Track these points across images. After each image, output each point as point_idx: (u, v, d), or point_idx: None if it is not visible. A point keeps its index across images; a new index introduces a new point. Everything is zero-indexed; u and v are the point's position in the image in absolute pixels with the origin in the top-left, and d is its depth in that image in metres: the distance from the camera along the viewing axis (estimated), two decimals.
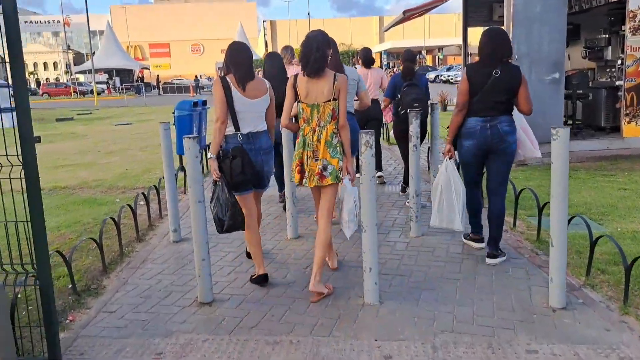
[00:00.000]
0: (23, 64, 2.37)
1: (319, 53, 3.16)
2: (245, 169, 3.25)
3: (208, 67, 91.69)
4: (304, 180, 3.25)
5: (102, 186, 6.71)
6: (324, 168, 3.18)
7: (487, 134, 3.61)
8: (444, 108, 14.62)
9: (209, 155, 3.50)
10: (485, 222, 3.95)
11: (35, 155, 2.47)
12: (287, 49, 6.20)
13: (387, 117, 6.05)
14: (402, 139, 5.67)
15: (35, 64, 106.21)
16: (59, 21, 62.91)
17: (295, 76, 3.31)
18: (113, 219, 4.14)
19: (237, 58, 3.35)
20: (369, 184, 2.97)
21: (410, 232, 4.38)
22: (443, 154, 3.94)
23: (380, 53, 63.34)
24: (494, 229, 3.76)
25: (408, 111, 5.20)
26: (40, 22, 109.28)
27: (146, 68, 60.10)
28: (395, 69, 44.56)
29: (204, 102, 7.98)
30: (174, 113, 7.41)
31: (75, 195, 6.24)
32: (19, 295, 3.07)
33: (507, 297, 3.15)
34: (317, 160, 3.19)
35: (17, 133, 2.48)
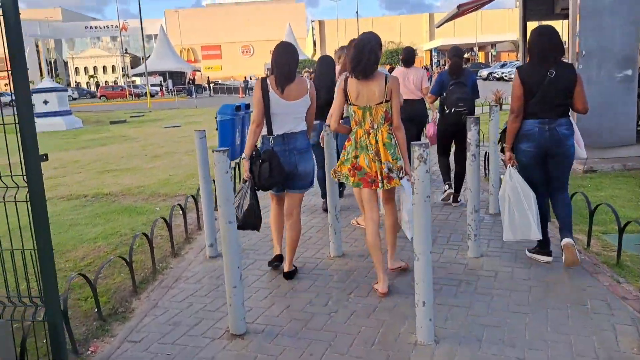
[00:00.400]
0: (25, 69, 2.10)
1: (370, 55, 3.16)
2: (273, 173, 3.31)
3: (258, 68, 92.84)
4: (379, 185, 3.22)
5: (144, 193, 6.58)
6: (390, 170, 3.19)
7: (546, 136, 3.43)
8: (500, 107, 13.83)
9: (242, 155, 3.51)
10: (552, 235, 3.61)
11: (41, 173, 2.20)
12: (343, 49, 5.96)
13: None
14: (445, 139, 5.38)
15: (95, 68, 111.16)
16: (116, 26, 65.23)
17: (346, 79, 3.30)
18: (145, 235, 3.91)
19: (279, 59, 3.35)
20: (423, 205, 2.56)
21: (467, 251, 3.92)
22: (504, 162, 3.62)
23: (430, 51, 61.99)
24: (566, 219, 3.53)
25: (453, 111, 5.00)
26: (100, 27, 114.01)
27: (198, 70, 61.50)
28: (445, 67, 43.28)
29: (247, 106, 7.75)
30: (216, 117, 7.21)
31: (116, 202, 6.13)
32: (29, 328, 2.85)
33: (587, 338, 2.66)
34: (381, 163, 3.20)
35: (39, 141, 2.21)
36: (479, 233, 3.89)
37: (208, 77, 59.45)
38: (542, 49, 3.38)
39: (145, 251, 4.17)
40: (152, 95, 40.68)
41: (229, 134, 7.13)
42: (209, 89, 53.42)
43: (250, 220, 3.36)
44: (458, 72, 5.11)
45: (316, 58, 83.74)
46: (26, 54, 2.11)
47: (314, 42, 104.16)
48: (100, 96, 49.64)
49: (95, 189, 6.93)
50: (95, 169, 8.69)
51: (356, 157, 3.26)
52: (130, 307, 3.31)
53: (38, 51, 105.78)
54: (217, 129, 7.36)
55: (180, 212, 4.83)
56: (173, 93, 43.52)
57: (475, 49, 57.72)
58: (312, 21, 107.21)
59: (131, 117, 23.38)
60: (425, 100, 5.72)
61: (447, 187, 5.42)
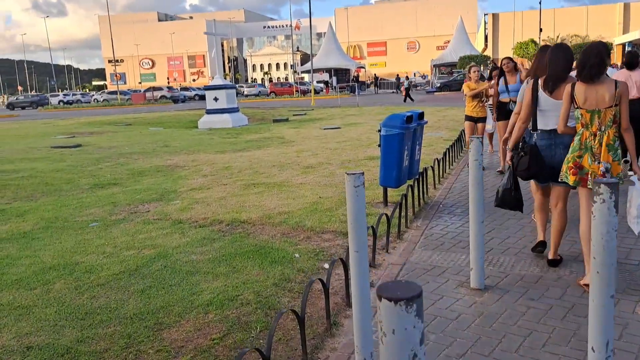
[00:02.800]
0: None
1: (596, 60, 3.37)
2: (531, 166, 3.76)
3: (423, 64, 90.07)
4: (588, 182, 3.42)
5: (286, 224, 5.30)
6: (606, 170, 3.36)
7: None
8: None
9: (507, 146, 4.09)
10: None
11: None
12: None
13: None
14: None
15: (269, 65, 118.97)
16: (290, 25, 68.19)
17: (573, 84, 3.48)
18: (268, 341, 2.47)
19: (553, 59, 3.71)
20: None
21: None
22: None
23: (623, 45, 53.16)
24: None
25: None
26: (275, 26, 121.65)
27: (362, 67, 61.14)
28: None
29: (421, 116, 6.04)
30: (379, 131, 5.65)
31: (251, 236, 4.93)
32: None
33: None
34: (599, 162, 3.39)
35: None
36: None
37: (374, 74, 58.70)
38: None
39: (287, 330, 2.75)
40: (316, 92, 41.09)
41: (395, 152, 5.50)
42: (376, 86, 52.69)
43: (506, 201, 3.98)
44: None
45: (486, 53, 78.29)
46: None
47: (486, 37, 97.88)
48: (270, 92, 51.90)
49: (234, 211, 5.87)
50: (243, 181, 7.77)
51: (580, 156, 3.47)
52: None
53: (223, 50, 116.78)
54: (379, 145, 5.81)
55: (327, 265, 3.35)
56: (337, 90, 43.51)
57: None
58: (484, 14, 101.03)
59: (294, 115, 23.21)
60: None
61: None
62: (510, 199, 3.93)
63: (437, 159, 7.34)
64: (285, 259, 4.24)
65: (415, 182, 5.77)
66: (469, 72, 8.15)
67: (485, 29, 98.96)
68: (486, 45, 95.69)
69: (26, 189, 7.74)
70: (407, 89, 32.52)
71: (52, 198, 7.12)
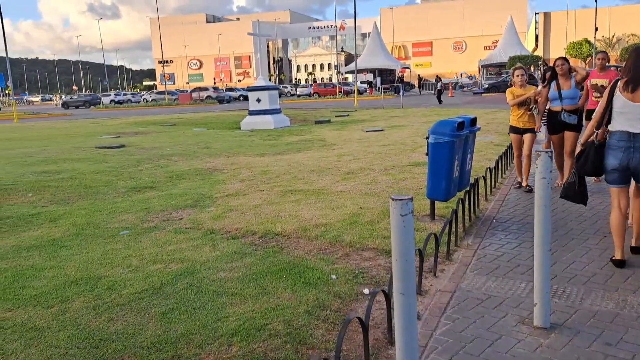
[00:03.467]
0: None
1: None
2: (595, 164, 3.96)
3: (469, 64, 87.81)
4: None
5: (324, 237, 4.91)
6: None
7: None
8: None
9: (579, 140, 4.56)
10: None
11: None
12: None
13: None
14: None
15: (313, 65, 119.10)
16: (335, 26, 67.95)
17: None
18: None
19: (635, 63, 3.78)
20: None
21: None
22: None
23: None
24: None
25: None
26: (320, 27, 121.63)
27: (407, 67, 60.10)
28: None
29: (473, 121, 5.51)
30: (427, 138, 5.17)
31: (285, 252, 4.56)
32: None
33: None
34: None
35: None
36: None
37: (418, 75, 57.60)
38: None
39: None
40: (360, 93, 40.56)
41: (444, 162, 5.00)
42: (420, 87, 51.73)
43: (569, 194, 4.12)
44: None
45: (537, 53, 75.43)
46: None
47: (536, 36, 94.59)
48: (313, 93, 51.71)
49: (269, 222, 5.53)
50: (280, 187, 7.44)
51: None
52: None
53: (268, 51, 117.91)
54: (427, 153, 5.33)
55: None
56: (380, 91, 42.82)
57: None
58: (535, 13, 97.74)
59: (336, 116, 22.84)
60: None
61: None
62: (574, 193, 4.07)
63: (489, 167, 6.77)
64: (320, 281, 3.84)
65: (466, 194, 5.26)
66: (513, 75, 6.71)
67: (535, 28, 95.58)
68: (536, 45, 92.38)
69: (64, 191, 7.68)
70: (439, 91, 31.76)
71: (87, 202, 7.00)
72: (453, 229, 4.64)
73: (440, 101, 30.53)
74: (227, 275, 4.03)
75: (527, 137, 6.66)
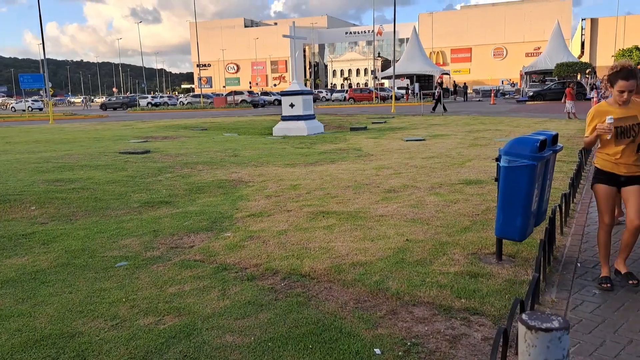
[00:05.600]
0: None
1: None
2: None
3: (511, 72, 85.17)
4: None
5: (362, 283, 3.87)
6: None
7: None
8: None
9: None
10: None
11: None
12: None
13: None
14: None
15: (349, 70, 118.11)
16: (372, 31, 66.82)
17: None
18: None
19: None
20: None
21: None
22: None
23: None
24: None
25: None
26: (357, 32, 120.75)
27: (446, 73, 58.42)
28: None
29: (555, 139, 4.36)
30: (497, 160, 4.06)
31: (313, 304, 3.54)
32: None
33: None
34: None
35: None
36: None
37: (454, 82, 55.87)
38: None
39: None
40: (397, 99, 39.32)
41: (522, 192, 3.86)
42: (455, 94, 50.18)
43: None
44: None
45: (584, 60, 72.28)
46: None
47: (582, 43, 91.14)
48: (349, 98, 50.70)
49: (295, 256, 4.53)
50: (311, 206, 6.44)
51: None
52: None
53: (305, 56, 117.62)
54: (496, 179, 4.22)
55: None
56: (419, 97, 41.45)
57: None
58: (582, 19, 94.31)
59: (373, 123, 21.77)
60: None
61: None
62: None
63: (564, 193, 5.58)
64: (359, 357, 2.80)
65: (546, 232, 4.12)
66: (608, 83, 3.77)
67: (582, 34, 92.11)
68: (582, 52, 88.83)
69: (71, 204, 6.89)
70: (438, 98, 30.20)
71: (92, 219, 6.17)
72: (529, 275, 3.53)
73: (445, 109, 28.83)
74: (235, 340, 3.04)
75: (632, 191, 3.77)
